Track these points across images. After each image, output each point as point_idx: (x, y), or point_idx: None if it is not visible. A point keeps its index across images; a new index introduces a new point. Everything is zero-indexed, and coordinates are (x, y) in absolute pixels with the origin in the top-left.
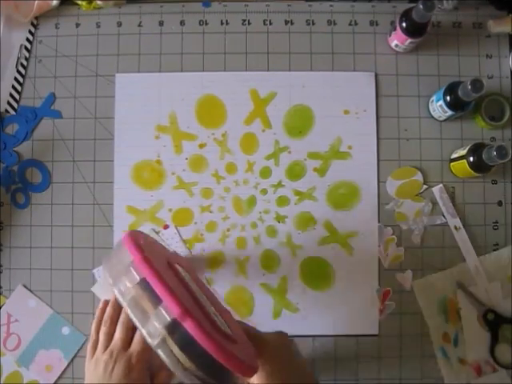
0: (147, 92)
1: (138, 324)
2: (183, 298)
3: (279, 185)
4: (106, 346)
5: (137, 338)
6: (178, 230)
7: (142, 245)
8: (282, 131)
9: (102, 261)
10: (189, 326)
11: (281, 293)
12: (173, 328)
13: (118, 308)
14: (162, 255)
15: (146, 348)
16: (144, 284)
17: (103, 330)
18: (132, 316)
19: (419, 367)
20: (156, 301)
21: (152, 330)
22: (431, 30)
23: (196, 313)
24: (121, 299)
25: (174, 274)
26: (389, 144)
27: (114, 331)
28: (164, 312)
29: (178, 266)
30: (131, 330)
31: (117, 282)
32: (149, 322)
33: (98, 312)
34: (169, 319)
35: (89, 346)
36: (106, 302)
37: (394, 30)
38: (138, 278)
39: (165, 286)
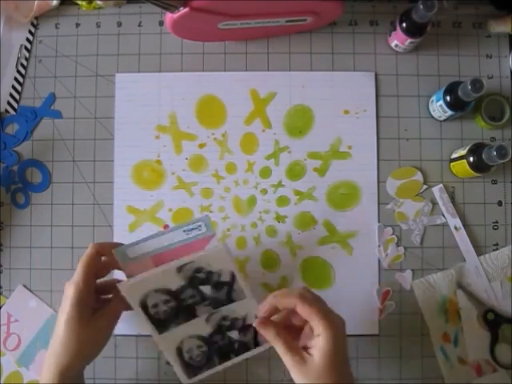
0: (147, 92)
1: None
2: None
3: (279, 185)
4: None
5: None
6: None
7: None
8: (282, 131)
9: None
10: None
11: None
12: None
13: None
14: None
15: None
16: None
17: None
18: None
19: (419, 367)
20: None
21: None
22: (431, 30)
23: None
24: None
25: None
26: (389, 144)
27: None
28: None
29: None
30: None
31: None
32: None
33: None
34: None
35: None
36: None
37: (394, 29)
38: None
39: None
